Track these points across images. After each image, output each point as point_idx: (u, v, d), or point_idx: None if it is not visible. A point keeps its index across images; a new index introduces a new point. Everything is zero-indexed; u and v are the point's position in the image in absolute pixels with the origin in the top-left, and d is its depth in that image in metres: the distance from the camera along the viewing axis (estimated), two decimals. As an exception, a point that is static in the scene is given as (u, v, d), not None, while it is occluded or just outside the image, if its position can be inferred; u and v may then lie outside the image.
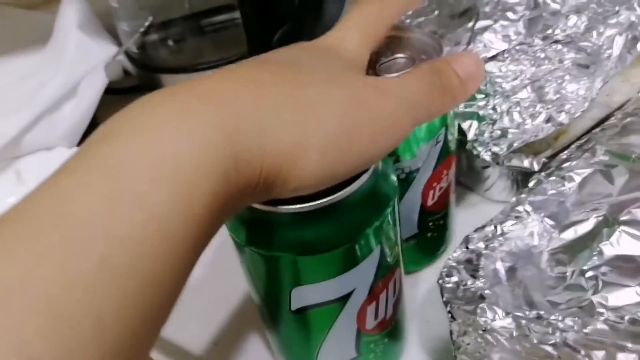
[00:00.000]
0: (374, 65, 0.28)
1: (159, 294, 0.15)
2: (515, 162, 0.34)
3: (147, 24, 0.44)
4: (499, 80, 0.35)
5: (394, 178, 0.25)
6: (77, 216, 0.14)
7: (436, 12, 0.46)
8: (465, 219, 0.36)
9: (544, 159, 0.34)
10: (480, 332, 0.24)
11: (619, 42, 0.35)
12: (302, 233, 0.22)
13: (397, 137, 0.21)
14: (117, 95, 0.53)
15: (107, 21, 0.52)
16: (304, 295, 0.24)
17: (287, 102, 0.19)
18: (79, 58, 0.48)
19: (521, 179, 0.36)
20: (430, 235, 0.33)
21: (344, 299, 0.24)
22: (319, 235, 0.22)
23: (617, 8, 0.36)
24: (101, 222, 0.14)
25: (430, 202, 0.31)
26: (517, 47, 0.35)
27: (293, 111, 0.19)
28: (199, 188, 0.16)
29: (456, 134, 0.33)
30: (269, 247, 0.23)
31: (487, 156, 0.35)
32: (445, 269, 0.27)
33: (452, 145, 0.31)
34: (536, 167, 0.33)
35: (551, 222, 0.28)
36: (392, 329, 0.28)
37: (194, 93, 0.18)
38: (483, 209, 0.38)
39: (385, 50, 0.28)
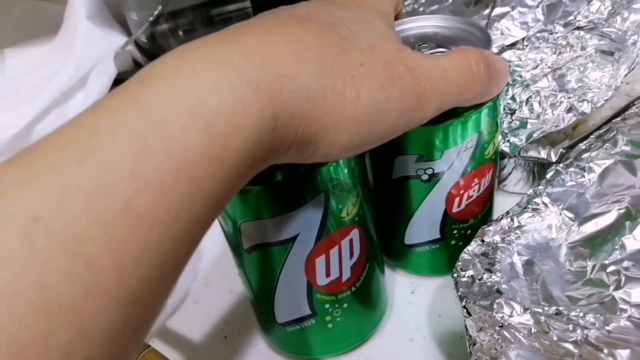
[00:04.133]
0: None
1: (180, 246, 0.15)
2: (532, 153, 0.33)
3: (156, 13, 0.44)
4: (518, 69, 0.34)
5: None
6: (106, 153, 0.14)
7: (450, 0, 0.45)
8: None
9: (561, 150, 0.33)
10: (497, 328, 0.23)
11: (643, 28, 0.34)
12: None
13: (422, 117, 0.21)
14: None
15: (116, 11, 0.51)
16: (250, 233, 0.24)
17: (331, 69, 0.19)
18: (89, 48, 0.47)
19: (538, 171, 0.35)
20: (454, 243, 0.31)
21: (287, 242, 0.24)
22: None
23: (641, -7, 0.35)
24: (129, 163, 0.14)
25: (455, 209, 0.29)
26: (538, 35, 0.34)
27: (336, 79, 0.19)
28: (233, 144, 0.16)
29: (500, 144, 0.30)
30: None
31: (505, 147, 0.34)
32: (460, 263, 0.26)
33: (489, 154, 0.29)
34: (554, 158, 0.32)
35: (570, 215, 0.28)
36: (352, 295, 0.28)
37: (239, 47, 0.17)
38: (499, 201, 0.37)
39: (428, 42, 0.27)
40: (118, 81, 0.49)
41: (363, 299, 0.29)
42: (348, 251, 0.26)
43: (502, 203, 0.34)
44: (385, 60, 0.20)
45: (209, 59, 0.17)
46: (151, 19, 0.44)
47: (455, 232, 0.31)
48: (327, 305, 0.27)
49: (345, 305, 0.28)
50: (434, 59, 0.22)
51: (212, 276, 0.37)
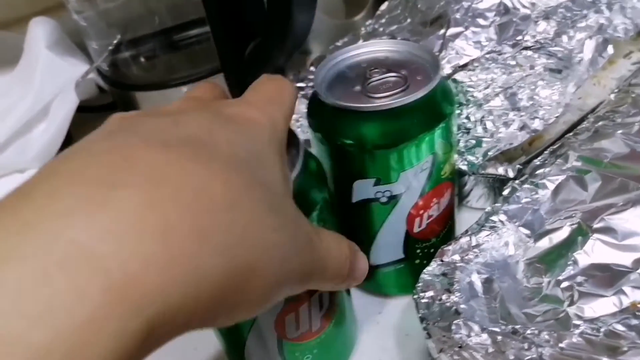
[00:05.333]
0: (364, 83, 0.27)
1: None
2: (490, 170, 0.34)
3: (115, 42, 0.43)
4: (470, 89, 0.34)
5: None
6: None
7: (408, 20, 0.45)
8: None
9: (518, 166, 0.33)
10: (457, 349, 0.23)
11: (590, 45, 0.35)
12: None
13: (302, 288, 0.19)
14: (92, 113, 0.53)
15: (78, 39, 0.51)
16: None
17: (242, 240, 0.15)
18: (49, 78, 0.47)
19: (498, 186, 0.36)
20: (418, 262, 0.31)
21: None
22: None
23: (585, 12, 0.36)
24: None
25: (416, 229, 0.30)
26: (487, 56, 0.35)
27: (244, 253, 0.15)
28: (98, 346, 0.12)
29: (455, 163, 0.30)
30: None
31: (463, 165, 0.34)
32: (420, 284, 0.27)
33: (446, 174, 0.29)
34: (511, 174, 0.33)
35: (526, 231, 0.28)
36: (321, 341, 0.28)
37: (102, 228, 0.13)
38: (463, 217, 0.38)
39: (379, 68, 0.27)
40: (81, 109, 0.48)
41: (334, 342, 0.29)
42: (317, 305, 0.27)
43: (465, 219, 0.35)
44: (291, 227, 0.17)
45: (64, 247, 0.12)
46: (111, 47, 0.44)
47: (418, 251, 0.31)
48: (297, 354, 0.28)
49: (315, 351, 0.28)
50: (321, 235, 0.20)
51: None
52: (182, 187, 0.14)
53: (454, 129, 0.28)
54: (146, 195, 0.13)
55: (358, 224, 0.31)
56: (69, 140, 0.48)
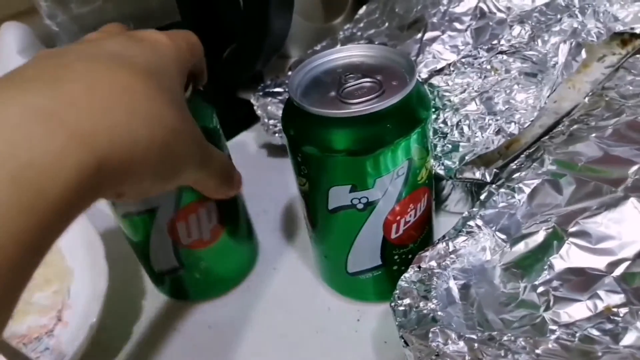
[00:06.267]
0: (339, 89, 0.26)
1: None
2: (467, 175, 0.34)
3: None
4: (446, 94, 0.34)
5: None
6: None
7: (386, 24, 0.46)
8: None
9: (495, 170, 0.33)
10: (433, 357, 0.23)
11: (564, 49, 0.35)
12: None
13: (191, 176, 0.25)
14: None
15: (50, 44, 0.50)
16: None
17: (160, 121, 0.21)
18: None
19: (476, 190, 0.36)
20: (397, 268, 0.31)
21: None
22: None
23: (559, 16, 0.36)
24: None
25: (394, 235, 0.30)
26: (463, 60, 0.35)
27: (160, 130, 0.21)
28: (47, 192, 0.17)
29: (433, 169, 0.31)
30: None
31: (440, 170, 0.34)
32: (397, 291, 0.26)
33: (422, 179, 0.29)
34: (488, 178, 0.33)
35: (502, 236, 0.28)
36: (212, 251, 0.34)
37: (63, 98, 0.18)
38: (441, 222, 0.38)
39: (354, 73, 0.27)
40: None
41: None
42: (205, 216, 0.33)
43: (444, 223, 0.35)
44: (192, 124, 0.24)
45: (27, 110, 0.17)
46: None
47: (396, 257, 0.31)
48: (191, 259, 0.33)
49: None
50: (208, 143, 0.26)
51: (155, 315, 0.36)
52: (113, 84, 0.19)
53: (430, 133, 0.28)
54: (87, 87, 0.19)
55: (335, 231, 0.31)
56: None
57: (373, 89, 0.26)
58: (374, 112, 0.25)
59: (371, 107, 0.25)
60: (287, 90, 0.46)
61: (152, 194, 0.23)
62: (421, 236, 0.32)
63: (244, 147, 0.49)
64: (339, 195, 0.28)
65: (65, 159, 0.17)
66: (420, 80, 0.30)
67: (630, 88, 0.34)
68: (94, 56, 0.21)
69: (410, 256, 0.31)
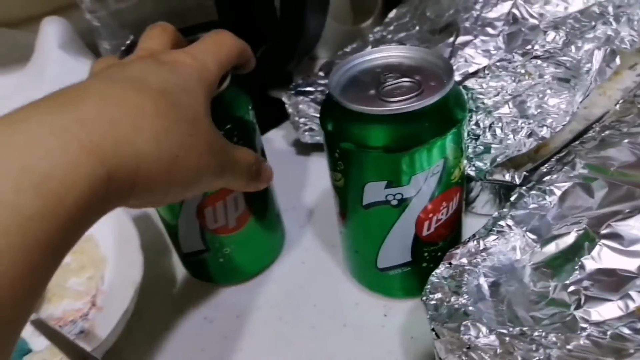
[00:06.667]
0: (378, 87, 0.27)
1: (17, 291, 0.17)
2: (497, 177, 0.34)
3: (128, 42, 0.44)
4: (480, 96, 0.35)
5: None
6: None
7: (417, 28, 0.46)
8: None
9: (525, 173, 0.34)
10: (465, 350, 0.24)
11: (598, 56, 0.36)
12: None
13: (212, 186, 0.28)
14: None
15: (89, 40, 0.52)
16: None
17: (166, 136, 0.22)
18: (60, 77, 0.47)
19: (504, 193, 0.36)
20: (425, 265, 0.32)
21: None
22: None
23: (593, 23, 0.36)
24: None
25: (425, 232, 0.30)
26: (498, 64, 0.35)
27: (169, 145, 0.22)
28: (66, 200, 0.18)
29: (466, 169, 0.31)
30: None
31: (471, 171, 0.35)
32: (429, 286, 0.27)
33: (456, 178, 0.29)
34: (517, 181, 0.34)
35: (533, 236, 0.29)
36: (238, 238, 0.35)
37: (76, 116, 0.20)
38: (468, 223, 0.38)
39: (394, 72, 0.28)
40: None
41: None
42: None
43: (471, 224, 0.35)
44: (207, 136, 0.25)
45: (44, 127, 0.19)
46: (123, 48, 0.44)
47: (426, 254, 0.32)
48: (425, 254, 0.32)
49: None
50: (234, 149, 0.28)
51: (185, 304, 0.37)
52: (123, 102, 0.21)
53: (465, 134, 0.29)
54: (98, 105, 0.21)
55: (368, 227, 0.31)
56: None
57: (412, 89, 0.27)
58: (412, 111, 0.26)
59: (410, 105, 0.25)
60: (317, 90, 0.47)
61: (167, 203, 0.25)
62: (451, 234, 0.32)
63: (273, 144, 0.50)
64: (374, 191, 0.29)
65: (80, 169, 0.19)
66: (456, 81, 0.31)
67: (663, 96, 0.35)
68: (112, 80, 0.23)
69: (439, 254, 0.32)
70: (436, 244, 0.32)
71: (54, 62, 0.48)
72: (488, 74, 0.35)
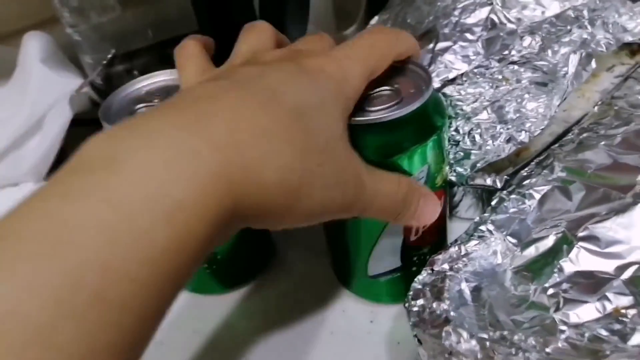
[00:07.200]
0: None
1: (150, 326, 0.16)
2: (478, 181, 0.34)
3: (109, 56, 0.44)
4: (459, 103, 0.35)
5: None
6: (77, 246, 0.15)
7: (398, 34, 0.46)
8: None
9: (505, 177, 0.34)
10: (447, 355, 0.24)
11: (574, 59, 0.36)
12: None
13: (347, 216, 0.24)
14: (86, 126, 0.53)
15: (71, 53, 0.52)
16: None
17: (292, 168, 0.20)
18: (43, 92, 0.47)
19: (486, 197, 0.37)
20: (415, 269, 0.32)
21: None
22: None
23: (569, 27, 0.37)
24: (99, 255, 0.15)
25: (413, 237, 0.31)
26: (475, 70, 0.36)
27: (294, 177, 0.20)
28: (195, 232, 0.17)
29: (447, 174, 0.32)
30: None
31: (452, 177, 0.35)
32: (411, 292, 0.27)
33: (439, 183, 0.30)
34: (499, 185, 0.34)
35: (513, 240, 0.29)
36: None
37: (207, 136, 0.18)
38: (453, 227, 0.38)
39: (372, 81, 0.28)
40: (75, 122, 0.49)
41: None
42: None
43: (455, 228, 0.36)
44: (338, 164, 0.22)
45: (175, 146, 0.17)
46: (104, 62, 0.44)
47: (415, 258, 0.32)
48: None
49: None
50: (374, 176, 0.24)
51: (176, 317, 0.37)
52: (255, 126, 0.19)
53: (446, 141, 0.29)
54: (229, 124, 0.19)
55: (356, 235, 0.32)
56: (63, 153, 0.48)
57: (391, 97, 0.27)
58: (393, 119, 0.26)
59: (392, 114, 0.26)
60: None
61: (282, 228, 0.22)
62: (438, 238, 0.33)
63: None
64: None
65: (209, 199, 0.17)
66: (435, 88, 0.31)
67: (639, 97, 0.35)
68: (246, 90, 0.21)
69: (427, 257, 0.32)
70: (424, 248, 0.32)
71: (36, 77, 0.47)
72: (466, 80, 0.36)
